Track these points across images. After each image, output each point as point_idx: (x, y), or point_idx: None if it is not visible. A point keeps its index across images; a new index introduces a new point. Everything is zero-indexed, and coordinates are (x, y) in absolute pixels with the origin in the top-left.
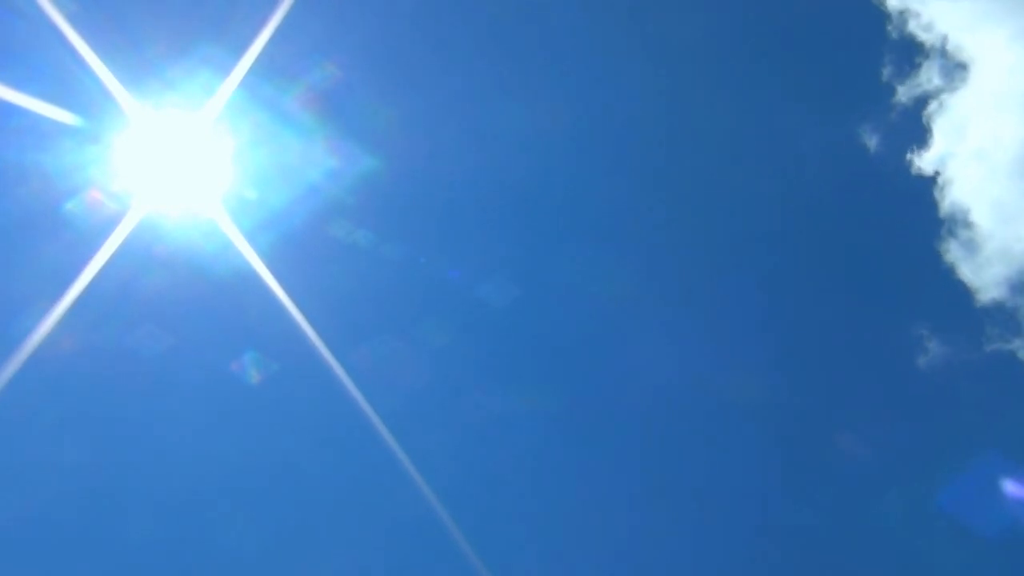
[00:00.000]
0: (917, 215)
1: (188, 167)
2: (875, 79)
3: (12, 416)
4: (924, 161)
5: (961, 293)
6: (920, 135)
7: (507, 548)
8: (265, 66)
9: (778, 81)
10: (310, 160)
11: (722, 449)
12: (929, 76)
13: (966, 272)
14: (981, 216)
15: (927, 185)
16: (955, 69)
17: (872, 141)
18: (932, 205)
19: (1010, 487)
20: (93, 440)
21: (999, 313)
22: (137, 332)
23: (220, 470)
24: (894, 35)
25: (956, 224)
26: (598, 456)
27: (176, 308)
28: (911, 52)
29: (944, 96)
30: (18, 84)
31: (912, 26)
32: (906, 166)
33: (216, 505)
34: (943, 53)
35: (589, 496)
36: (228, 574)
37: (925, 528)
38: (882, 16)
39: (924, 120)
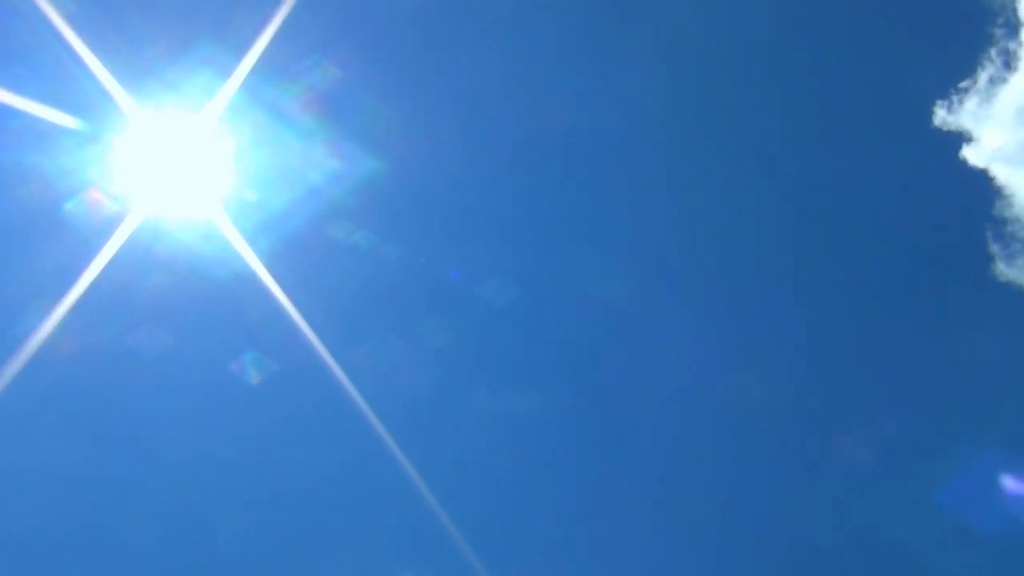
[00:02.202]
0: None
1: (188, 169)
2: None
3: (13, 417)
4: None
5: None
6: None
7: (507, 548)
8: (266, 67)
9: (813, 60)
10: (310, 161)
11: (723, 448)
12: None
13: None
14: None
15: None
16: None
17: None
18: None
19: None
20: (93, 441)
21: None
22: (137, 333)
23: (220, 471)
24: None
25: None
26: (599, 456)
27: (176, 309)
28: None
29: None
30: (18, 85)
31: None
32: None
33: (216, 505)
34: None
35: (590, 496)
36: (228, 574)
37: (945, 528)
38: None
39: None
